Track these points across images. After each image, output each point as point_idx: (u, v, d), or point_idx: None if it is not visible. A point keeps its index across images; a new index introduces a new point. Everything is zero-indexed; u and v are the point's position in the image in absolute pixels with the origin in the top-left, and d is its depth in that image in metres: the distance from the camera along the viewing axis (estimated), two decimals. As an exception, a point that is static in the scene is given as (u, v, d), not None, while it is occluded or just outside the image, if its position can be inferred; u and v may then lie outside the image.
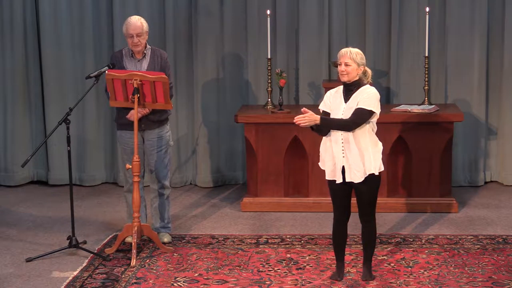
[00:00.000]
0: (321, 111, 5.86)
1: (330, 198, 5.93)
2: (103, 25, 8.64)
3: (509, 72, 8.38)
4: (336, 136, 5.74)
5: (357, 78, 5.72)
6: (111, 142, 8.77)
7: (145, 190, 7.15)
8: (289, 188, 7.82)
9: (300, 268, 6.24)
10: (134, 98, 6.42)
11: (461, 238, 6.86)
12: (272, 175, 7.75)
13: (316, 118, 5.69)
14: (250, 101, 8.58)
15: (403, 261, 6.34)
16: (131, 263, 6.33)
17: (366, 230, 5.88)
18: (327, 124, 5.73)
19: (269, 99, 8.02)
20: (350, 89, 5.75)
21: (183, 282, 5.99)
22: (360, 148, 5.70)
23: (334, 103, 5.80)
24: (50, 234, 7.19)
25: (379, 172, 5.76)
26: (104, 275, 6.16)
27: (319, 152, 5.90)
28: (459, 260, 6.36)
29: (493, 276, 6.01)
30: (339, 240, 5.93)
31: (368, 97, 5.68)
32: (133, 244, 6.43)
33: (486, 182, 8.62)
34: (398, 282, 5.92)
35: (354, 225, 6.40)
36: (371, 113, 5.69)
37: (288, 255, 6.52)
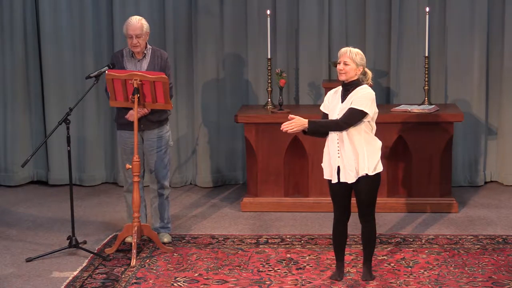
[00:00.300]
0: (322, 113, 5.84)
1: (330, 198, 5.92)
2: (103, 25, 8.64)
3: (509, 72, 8.38)
4: (333, 136, 5.71)
5: (355, 78, 5.68)
6: (111, 142, 8.76)
7: (145, 190, 7.15)
8: (289, 188, 7.82)
9: (300, 268, 6.23)
10: (134, 98, 6.42)
11: (461, 238, 6.86)
12: (272, 175, 7.74)
13: (304, 122, 5.62)
14: (250, 101, 8.58)
15: (403, 261, 6.34)
16: (131, 263, 6.33)
17: (366, 230, 5.87)
18: (316, 126, 5.66)
19: (269, 99, 8.02)
20: (347, 89, 5.71)
21: (183, 282, 5.99)
22: (354, 147, 5.65)
23: (332, 104, 5.77)
24: (50, 234, 7.18)
25: (379, 172, 5.74)
26: (104, 275, 6.16)
27: (319, 152, 5.89)
28: (459, 260, 6.35)
29: (493, 276, 6.01)
30: (339, 240, 5.92)
31: (361, 97, 5.62)
32: (133, 244, 6.43)
33: (486, 182, 8.62)
34: (398, 282, 5.92)
35: (354, 225, 6.39)
36: (362, 113, 5.61)
37: (288, 255, 6.51)
